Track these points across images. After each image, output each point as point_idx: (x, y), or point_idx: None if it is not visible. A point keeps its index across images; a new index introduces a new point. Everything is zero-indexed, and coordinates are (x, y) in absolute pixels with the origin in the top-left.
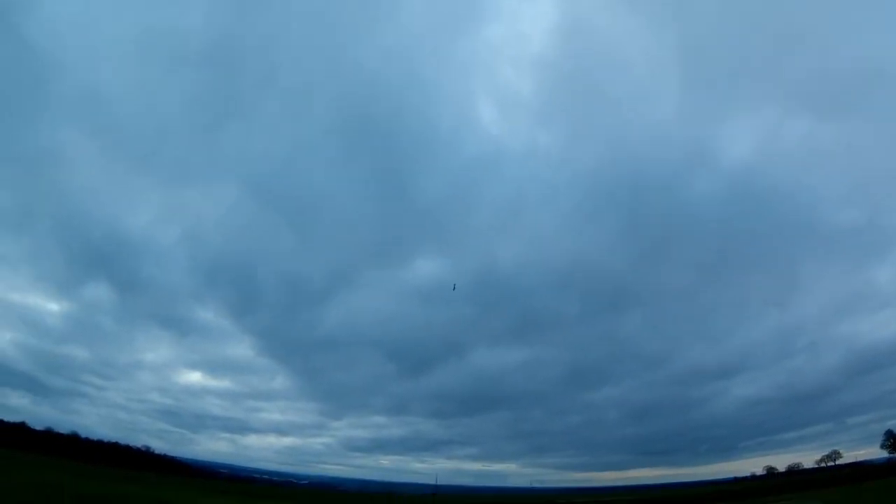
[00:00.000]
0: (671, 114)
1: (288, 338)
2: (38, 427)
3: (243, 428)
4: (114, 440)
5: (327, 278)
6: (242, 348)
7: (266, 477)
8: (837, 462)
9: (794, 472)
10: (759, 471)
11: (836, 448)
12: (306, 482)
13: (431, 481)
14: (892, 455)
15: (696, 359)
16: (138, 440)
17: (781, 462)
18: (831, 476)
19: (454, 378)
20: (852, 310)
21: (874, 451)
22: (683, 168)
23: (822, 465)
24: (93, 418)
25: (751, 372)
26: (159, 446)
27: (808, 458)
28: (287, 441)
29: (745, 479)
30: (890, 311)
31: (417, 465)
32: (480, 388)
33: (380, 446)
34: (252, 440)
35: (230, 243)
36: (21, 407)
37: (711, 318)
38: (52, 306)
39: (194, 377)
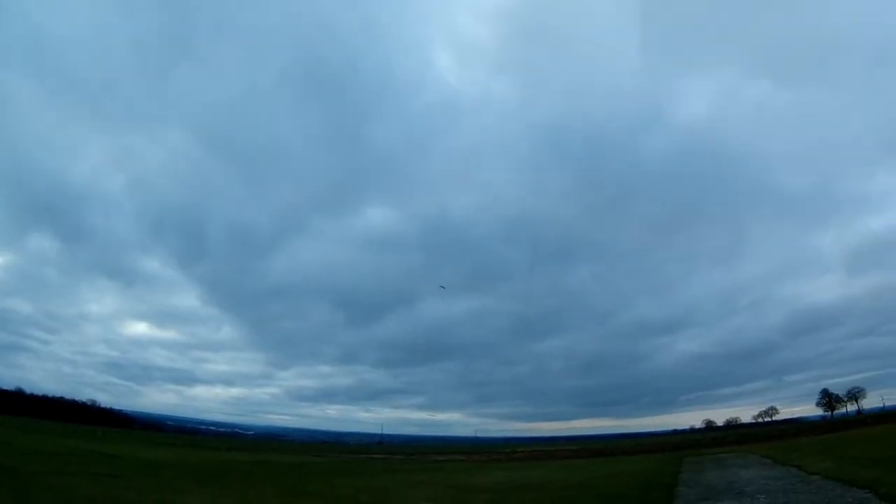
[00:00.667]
0: (630, 69)
1: (236, 287)
2: None
3: (190, 379)
4: (59, 395)
5: (277, 226)
6: (189, 298)
7: (212, 428)
8: (774, 418)
9: (732, 427)
10: (698, 424)
11: (773, 404)
12: (252, 433)
13: (377, 430)
14: (826, 413)
15: (642, 313)
16: (84, 394)
17: (720, 416)
18: (768, 431)
19: (403, 327)
20: (796, 272)
21: (810, 409)
22: (639, 124)
23: (760, 420)
24: (38, 373)
25: (695, 328)
26: (105, 400)
27: (746, 414)
28: (234, 392)
29: (684, 431)
30: (831, 275)
31: (363, 415)
32: (429, 338)
33: (326, 396)
34: (199, 391)
35: (178, 191)
36: None
37: (659, 274)
38: None
39: (140, 328)
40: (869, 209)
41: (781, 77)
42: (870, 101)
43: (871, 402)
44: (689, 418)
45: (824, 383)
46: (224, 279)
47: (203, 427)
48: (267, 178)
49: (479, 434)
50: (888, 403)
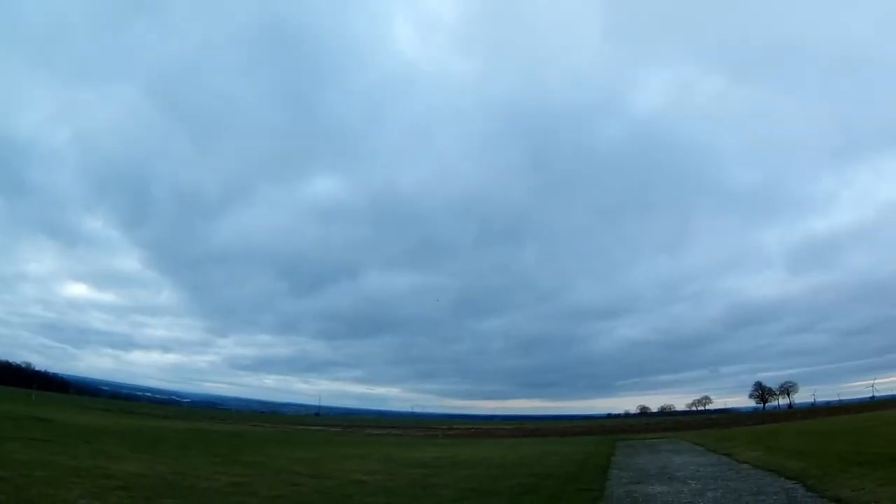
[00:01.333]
0: (591, 55)
1: (178, 251)
2: None
3: (127, 344)
4: None
5: (224, 191)
6: (130, 261)
7: (148, 395)
8: (707, 407)
9: (666, 413)
10: (633, 409)
11: (707, 394)
12: (189, 401)
13: (315, 402)
14: (758, 405)
15: (584, 297)
16: (18, 356)
17: (655, 403)
18: (701, 420)
19: (345, 299)
20: (738, 266)
21: (743, 400)
22: (595, 110)
23: (693, 408)
24: None
25: (636, 314)
26: (40, 362)
27: (680, 402)
28: (171, 358)
29: (619, 416)
30: (772, 271)
31: (301, 386)
32: (370, 311)
33: (265, 365)
34: (136, 356)
35: (125, 149)
36: None
37: (604, 259)
38: None
39: (79, 290)
40: (813, 210)
41: (738, 74)
42: (821, 105)
43: (802, 396)
44: (625, 403)
45: (758, 376)
46: (167, 242)
47: (139, 393)
48: (216, 140)
49: (417, 410)
50: (819, 399)
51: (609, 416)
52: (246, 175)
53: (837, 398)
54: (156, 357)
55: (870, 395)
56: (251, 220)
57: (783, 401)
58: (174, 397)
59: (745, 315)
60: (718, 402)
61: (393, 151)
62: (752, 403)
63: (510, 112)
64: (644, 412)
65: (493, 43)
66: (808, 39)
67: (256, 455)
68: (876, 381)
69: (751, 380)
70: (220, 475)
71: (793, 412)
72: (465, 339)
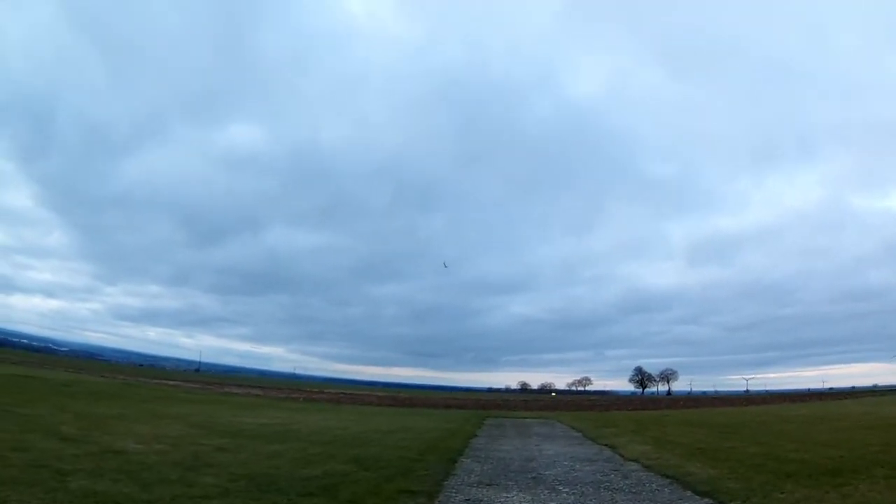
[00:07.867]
0: (536, 32)
1: (76, 189)
2: None
3: (8, 286)
4: None
5: (135, 128)
6: (22, 197)
7: (25, 341)
8: (587, 388)
9: (546, 391)
10: (514, 385)
11: (588, 375)
12: (66, 349)
13: (196, 357)
14: (637, 390)
15: (485, 270)
16: None
17: (536, 380)
18: (579, 401)
19: (244, 254)
20: (640, 254)
21: (622, 384)
22: (530, 87)
23: (573, 388)
24: None
25: (533, 292)
26: None
27: (561, 381)
28: (53, 304)
29: (499, 390)
30: (672, 262)
31: (184, 340)
32: (268, 268)
33: (150, 317)
34: (16, 300)
35: (32, 72)
36: None
37: (511, 234)
38: None
39: None
40: (722, 209)
41: (676, 69)
42: (748, 109)
43: (679, 385)
44: (508, 378)
45: (640, 361)
46: (64, 179)
47: (14, 339)
48: (134, 73)
49: (299, 371)
50: (695, 388)
51: (490, 390)
52: (161, 114)
53: (713, 389)
54: (37, 302)
55: (744, 388)
56: (159, 162)
57: (662, 387)
58: (50, 345)
59: (640, 301)
60: (598, 384)
61: (318, 106)
62: (630, 387)
63: (445, 82)
64: (524, 388)
65: (438, 11)
66: (748, 44)
67: (42, 408)
68: (749, 377)
69: (632, 364)
70: None
71: (673, 399)
72: (358, 304)
